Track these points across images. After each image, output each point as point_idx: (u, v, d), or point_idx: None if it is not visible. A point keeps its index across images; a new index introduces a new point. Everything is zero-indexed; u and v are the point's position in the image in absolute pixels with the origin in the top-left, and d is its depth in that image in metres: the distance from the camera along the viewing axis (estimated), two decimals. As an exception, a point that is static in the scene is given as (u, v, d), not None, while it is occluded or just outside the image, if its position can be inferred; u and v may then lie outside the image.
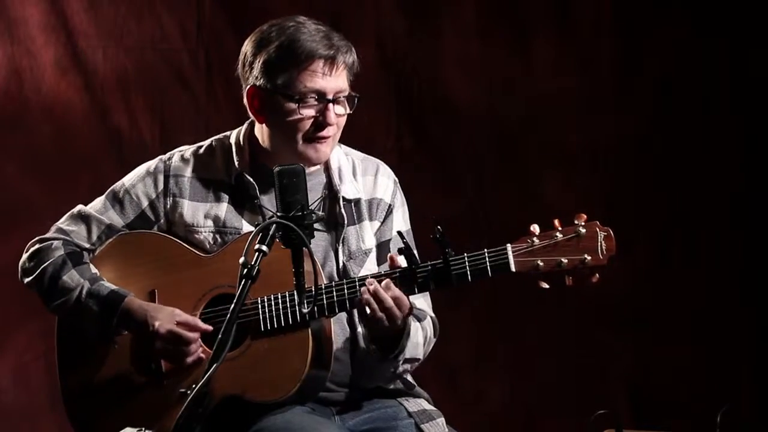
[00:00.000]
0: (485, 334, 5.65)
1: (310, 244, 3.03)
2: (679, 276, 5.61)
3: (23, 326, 5.30)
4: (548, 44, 5.68)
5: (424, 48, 5.64)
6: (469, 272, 3.33)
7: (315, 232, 3.12)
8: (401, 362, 3.47)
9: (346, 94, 3.50)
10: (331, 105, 3.46)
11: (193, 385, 2.93)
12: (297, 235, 3.01)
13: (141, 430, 3.25)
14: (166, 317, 3.44)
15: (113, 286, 3.51)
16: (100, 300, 3.48)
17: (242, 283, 2.98)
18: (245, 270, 2.98)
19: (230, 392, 3.38)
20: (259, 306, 3.42)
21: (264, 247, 3.00)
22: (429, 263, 3.34)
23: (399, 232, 3.41)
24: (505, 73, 5.67)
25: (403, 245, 3.34)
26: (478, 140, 5.67)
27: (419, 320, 3.52)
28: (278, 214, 3.05)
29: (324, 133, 3.48)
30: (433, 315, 3.61)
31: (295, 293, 3.11)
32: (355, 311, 3.50)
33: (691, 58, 5.64)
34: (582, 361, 5.61)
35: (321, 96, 3.46)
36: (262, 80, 3.48)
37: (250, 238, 3.00)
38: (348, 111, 3.51)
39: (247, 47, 3.53)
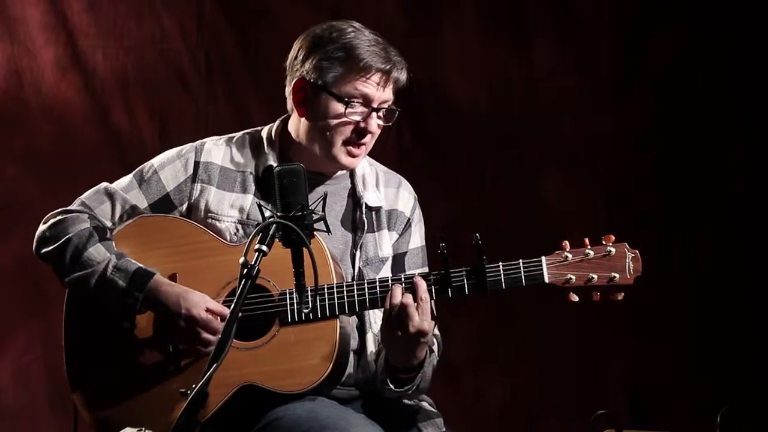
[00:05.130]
0: (485, 336, 5.64)
1: (309, 244, 3.04)
2: (679, 276, 5.61)
3: (23, 326, 5.30)
4: (548, 44, 5.68)
5: (424, 48, 5.64)
6: (503, 281, 3.39)
7: (334, 235, 3.11)
8: (412, 394, 3.51)
9: (390, 106, 3.56)
10: (374, 114, 3.52)
11: (193, 386, 2.91)
12: (297, 235, 3.02)
13: (141, 430, 3.25)
14: (197, 302, 3.41)
15: (140, 264, 3.47)
16: (128, 275, 3.43)
17: (242, 283, 2.97)
18: (245, 270, 2.98)
19: (251, 380, 3.39)
20: (287, 298, 3.42)
21: (264, 247, 3.00)
22: (463, 269, 3.39)
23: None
24: (505, 73, 5.67)
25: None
26: (478, 140, 5.67)
27: (430, 351, 3.53)
28: (278, 213, 3.05)
29: (363, 140, 3.53)
30: (438, 333, 3.62)
31: (298, 292, 3.11)
32: (374, 318, 3.53)
33: (691, 58, 5.64)
34: (582, 362, 5.61)
35: (368, 103, 3.51)
36: (313, 75, 3.51)
37: (250, 237, 3.01)
38: (388, 123, 3.57)
39: (302, 43, 3.55)
